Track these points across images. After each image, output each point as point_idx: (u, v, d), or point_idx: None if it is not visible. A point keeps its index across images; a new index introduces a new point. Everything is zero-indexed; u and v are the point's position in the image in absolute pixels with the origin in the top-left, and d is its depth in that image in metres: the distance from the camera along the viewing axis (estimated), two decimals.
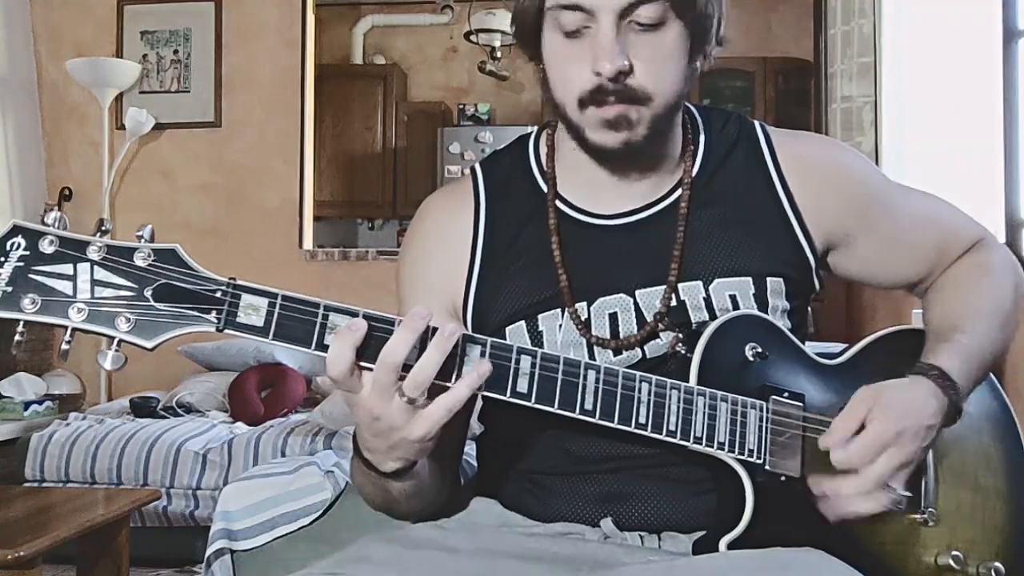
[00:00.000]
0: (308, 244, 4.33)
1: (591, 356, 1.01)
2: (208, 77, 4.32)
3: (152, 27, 4.34)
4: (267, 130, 4.30)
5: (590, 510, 1.01)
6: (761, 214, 1.05)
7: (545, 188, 1.08)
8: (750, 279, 1.02)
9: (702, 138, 1.09)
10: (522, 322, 1.03)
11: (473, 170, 1.13)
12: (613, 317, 1.01)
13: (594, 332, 1.01)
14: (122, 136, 4.25)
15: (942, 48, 3.22)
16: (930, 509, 1.00)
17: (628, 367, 0.94)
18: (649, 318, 1.01)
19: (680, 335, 0.99)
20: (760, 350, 0.97)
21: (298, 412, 3.57)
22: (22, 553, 1.75)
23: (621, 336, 1.01)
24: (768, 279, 1.03)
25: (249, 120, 4.31)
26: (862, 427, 0.92)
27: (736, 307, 1.01)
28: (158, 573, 3.02)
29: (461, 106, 6.04)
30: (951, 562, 1.00)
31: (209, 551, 1.55)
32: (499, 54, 5.00)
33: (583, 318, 1.01)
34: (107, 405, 3.86)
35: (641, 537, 1.00)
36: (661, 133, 1.00)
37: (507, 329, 1.03)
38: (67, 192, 4.31)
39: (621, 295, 1.02)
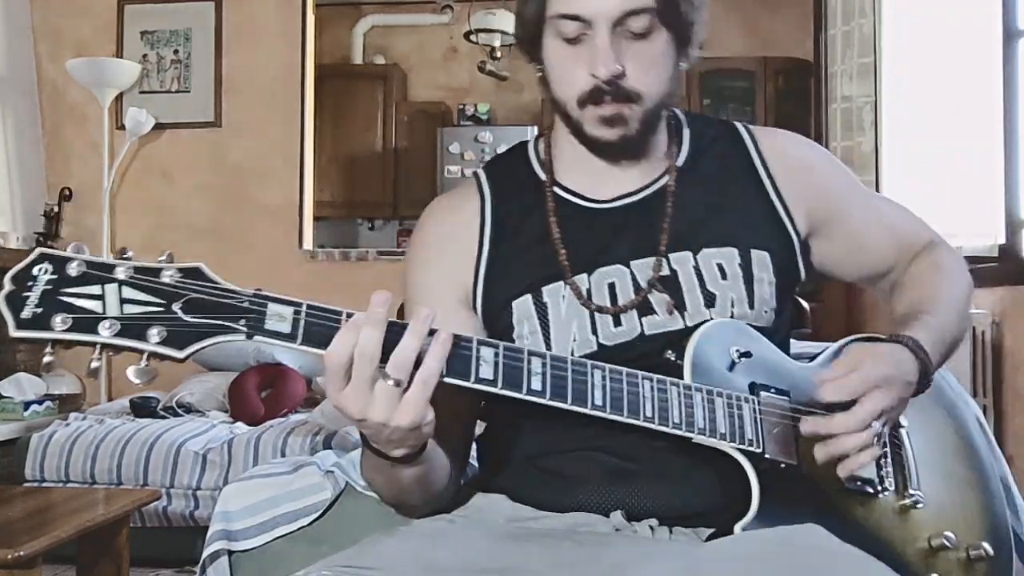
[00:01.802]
0: (308, 244, 4.33)
1: (592, 325, 1.08)
2: (208, 77, 4.32)
3: (152, 27, 4.34)
4: (267, 130, 4.30)
5: (600, 492, 1.05)
6: (745, 195, 1.16)
7: (544, 178, 1.18)
8: (736, 250, 1.11)
9: (686, 133, 1.20)
10: (528, 295, 1.11)
11: (476, 174, 1.23)
12: (612, 287, 1.10)
13: (595, 300, 1.09)
14: (122, 136, 4.25)
15: (942, 48, 3.22)
16: (918, 492, 1.08)
17: (629, 341, 1.06)
18: (644, 286, 1.10)
19: (669, 350, 1.05)
20: (744, 350, 1.04)
21: (298, 412, 3.56)
22: (22, 553, 1.75)
23: (620, 303, 1.09)
24: (752, 251, 1.11)
25: (249, 120, 4.31)
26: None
27: (723, 274, 1.10)
28: (158, 573, 3.02)
29: (461, 106, 6.04)
30: (945, 542, 1.06)
31: (205, 554, 1.55)
32: (499, 54, 4.99)
33: (584, 288, 1.10)
34: (107, 405, 3.86)
35: (651, 528, 1.03)
36: (652, 127, 1.12)
37: (514, 303, 1.11)
38: (67, 192, 4.31)
39: (618, 266, 1.11)
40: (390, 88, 5.96)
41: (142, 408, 3.58)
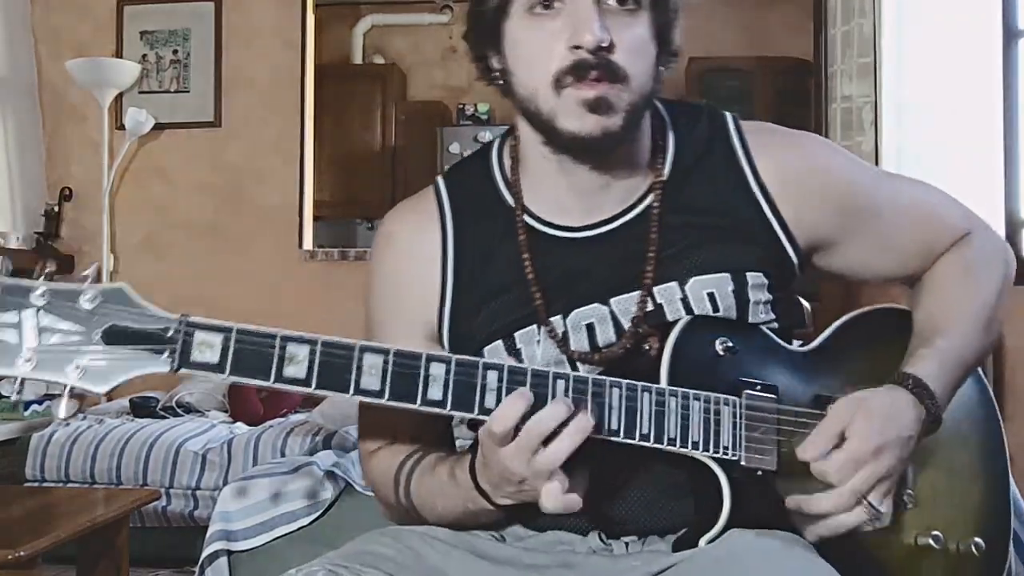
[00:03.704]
0: (308, 244, 4.32)
1: (572, 367, 1.00)
2: (208, 77, 4.31)
3: (152, 27, 4.33)
4: (267, 130, 4.30)
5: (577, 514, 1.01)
6: (739, 218, 1.03)
7: (512, 203, 1.06)
8: (728, 275, 1.00)
9: (671, 137, 1.07)
10: (499, 341, 1.02)
11: (436, 185, 1.11)
12: (590, 328, 1.00)
13: (572, 345, 1.00)
14: (122, 136, 4.25)
15: (942, 48, 3.22)
16: (908, 492, 1.00)
17: (612, 363, 0.96)
18: (627, 325, 0.99)
19: (649, 343, 0.98)
20: (730, 344, 0.96)
21: (298, 412, 3.56)
22: (22, 553, 1.75)
23: (601, 346, 1.00)
24: (748, 274, 1.01)
25: (249, 120, 4.31)
26: (842, 439, 0.92)
27: (715, 306, 1.00)
28: (158, 573, 3.01)
29: (460, 106, 6.03)
30: (931, 542, 1.00)
31: (204, 554, 1.55)
32: None
33: (560, 331, 1.00)
34: (107, 405, 3.85)
35: (626, 544, 1.00)
36: (635, 126, 0.99)
37: (485, 349, 1.02)
38: (67, 192, 4.30)
39: (596, 305, 1.00)
40: (389, 88, 5.96)
41: (142, 408, 3.58)
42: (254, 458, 3.09)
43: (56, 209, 4.26)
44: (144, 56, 4.32)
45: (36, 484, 3.14)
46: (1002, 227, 2.79)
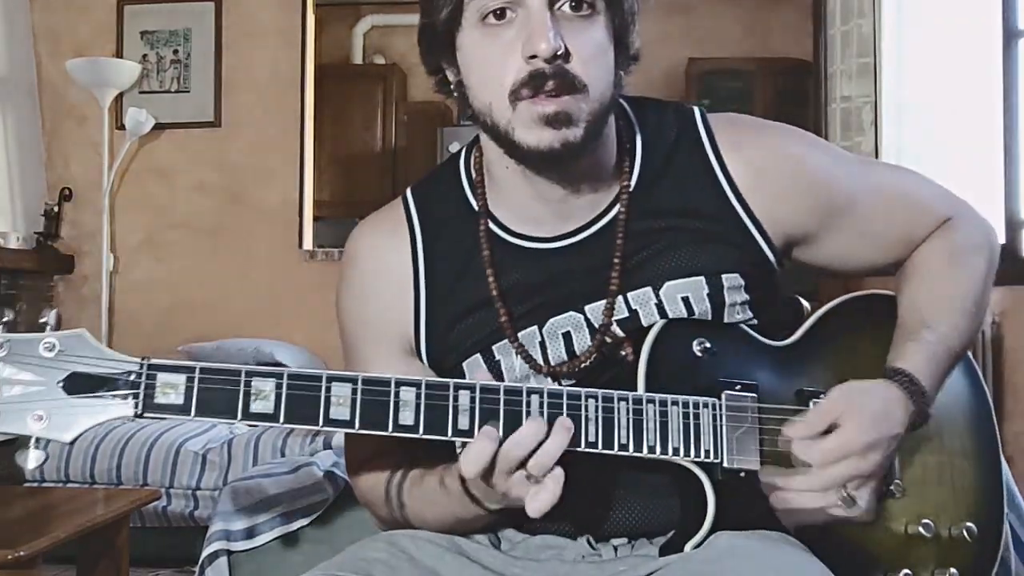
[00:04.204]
0: (308, 244, 4.32)
1: (556, 383, 0.99)
2: (208, 77, 4.31)
3: (152, 27, 4.33)
4: (267, 130, 4.30)
5: (566, 514, 0.98)
6: (710, 220, 1.01)
7: (477, 207, 1.05)
8: (703, 278, 0.99)
9: (638, 139, 1.04)
10: (478, 355, 1.02)
11: (404, 198, 1.10)
12: (567, 336, 1.00)
13: (551, 353, 1.00)
14: (122, 136, 4.25)
15: (942, 48, 3.22)
16: (896, 481, 0.99)
17: (587, 372, 0.96)
18: (600, 331, 0.99)
19: (625, 349, 0.97)
20: (708, 345, 0.95)
21: None
22: (22, 553, 1.75)
23: (578, 353, 0.99)
24: (723, 276, 1.00)
25: (249, 120, 4.31)
26: (831, 427, 0.90)
27: (690, 310, 0.99)
28: (158, 573, 3.02)
29: None
30: (921, 530, 0.99)
31: (204, 554, 1.55)
32: None
33: (536, 342, 1.00)
34: None
35: (615, 547, 1.00)
36: (597, 136, 0.95)
37: (464, 364, 1.02)
38: (67, 192, 4.30)
39: (571, 313, 1.00)
40: (390, 88, 5.95)
41: None
42: (254, 458, 3.09)
43: (56, 209, 4.26)
44: (144, 56, 4.32)
45: (36, 484, 3.14)
46: (1002, 227, 2.79)
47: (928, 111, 3.30)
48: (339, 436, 3.06)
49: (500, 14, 0.91)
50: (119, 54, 4.29)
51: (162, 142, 4.33)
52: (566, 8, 0.91)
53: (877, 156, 3.44)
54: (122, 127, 4.24)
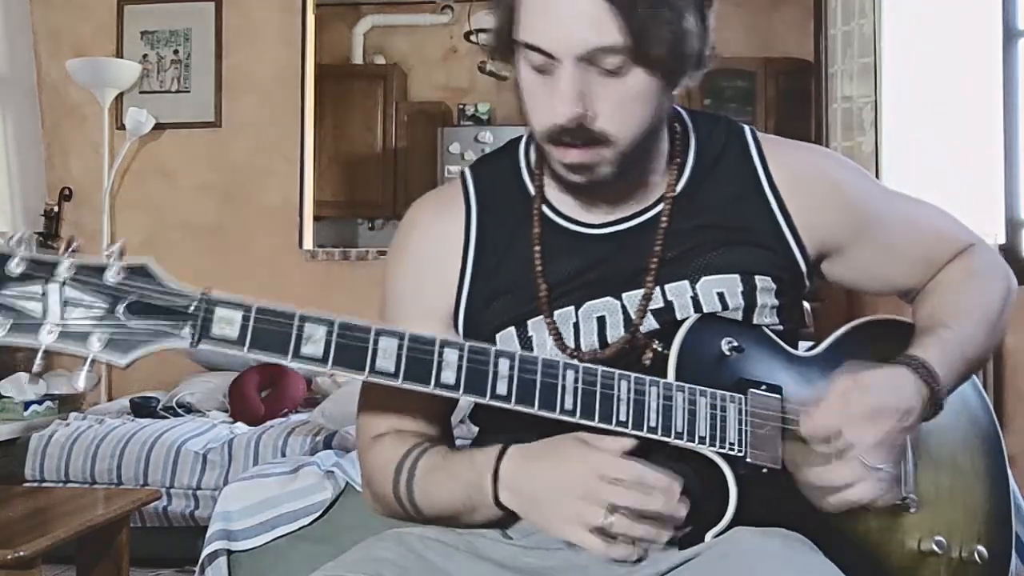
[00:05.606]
0: (308, 244, 4.33)
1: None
2: (208, 77, 4.32)
3: (152, 27, 4.33)
4: (267, 130, 4.30)
5: None
6: (750, 222, 1.06)
7: (533, 192, 1.09)
8: (738, 276, 1.03)
9: (692, 145, 1.09)
10: (511, 328, 1.04)
11: (463, 175, 1.14)
12: (601, 321, 1.03)
13: (583, 334, 1.02)
14: (122, 136, 4.25)
15: (942, 48, 3.22)
16: (911, 495, 1.01)
17: (616, 359, 0.97)
18: (635, 319, 1.02)
19: (656, 340, 0.99)
20: (736, 344, 0.98)
21: (298, 412, 3.56)
22: (22, 553, 1.75)
23: (610, 342, 1.02)
24: (757, 277, 1.04)
25: (249, 120, 4.31)
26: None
27: (724, 304, 1.02)
28: (158, 573, 3.02)
29: (461, 106, 6.04)
30: (934, 547, 1.01)
31: (204, 553, 1.55)
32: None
33: (571, 323, 1.03)
34: (107, 405, 3.86)
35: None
36: (634, 163, 1.00)
37: (498, 336, 1.05)
38: (67, 192, 4.31)
39: (608, 298, 1.03)
40: (390, 88, 5.96)
41: (142, 408, 3.58)
42: (255, 458, 3.09)
43: (56, 209, 4.26)
44: (144, 56, 4.32)
45: (36, 484, 3.14)
46: (1002, 227, 2.79)
47: (928, 111, 3.30)
48: (340, 436, 3.07)
49: (541, 71, 0.96)
50: (119, 54, 4.29)
51: (162, 142, 4.33)
52: (597, 67, 0.93)
53: (877, 156, 3.44)
54: (122, 127, 4.24)
